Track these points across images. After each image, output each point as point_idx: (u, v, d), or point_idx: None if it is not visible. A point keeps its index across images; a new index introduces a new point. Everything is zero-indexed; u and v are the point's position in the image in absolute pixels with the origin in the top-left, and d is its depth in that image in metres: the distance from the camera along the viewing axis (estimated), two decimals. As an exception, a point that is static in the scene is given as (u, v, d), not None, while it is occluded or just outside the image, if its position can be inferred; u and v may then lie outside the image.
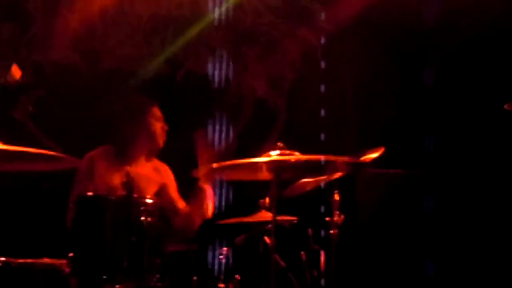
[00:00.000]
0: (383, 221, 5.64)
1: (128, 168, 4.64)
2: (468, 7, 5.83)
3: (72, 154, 4.04)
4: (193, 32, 6.04)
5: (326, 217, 4.27)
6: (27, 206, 5.66)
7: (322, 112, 6.07)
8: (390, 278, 5.53)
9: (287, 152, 3.89)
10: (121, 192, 4.02)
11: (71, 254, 3.80)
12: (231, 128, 5.85)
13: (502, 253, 5.64)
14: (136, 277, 3.80)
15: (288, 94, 6.16)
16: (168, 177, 4.92)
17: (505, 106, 3.71)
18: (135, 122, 4.80)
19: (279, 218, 4.26)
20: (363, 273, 5.55)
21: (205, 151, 4.68)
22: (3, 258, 3.86)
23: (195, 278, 4.35)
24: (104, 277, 3.74)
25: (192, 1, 6.03)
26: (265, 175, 3.98)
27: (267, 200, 4.71)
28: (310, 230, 4.75)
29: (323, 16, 6.13)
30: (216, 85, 5.97)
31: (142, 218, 3.84)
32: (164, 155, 5.00)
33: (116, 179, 4.62)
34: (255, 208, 4.83)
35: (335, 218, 4.23)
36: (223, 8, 5.98)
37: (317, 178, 4.34)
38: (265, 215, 4.72)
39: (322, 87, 6.11)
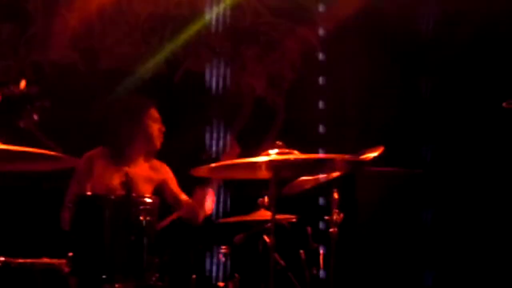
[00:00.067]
0: (382, 220, 5.64)
1: (126, 169, 4.66)
2: (466, 8, 5.85)
3: (71, 154, 4.04)
4: (191, 31, 6.04)
5: (325, 215, 4.26)
6: (27, 206, 5.66)
7: (322, 112, 6.07)
8: (389, 276, 5.53)
9: (286, 151, 3.88)
10: (120, 192, 4.02)
11: (70, 254, 3.80)
12: (229, 129, 5.86)
13: (502, 253, 5.64)
14: (136, 276, 3.80)
15: (287, 93, 6.16)
16: (167, 173, 4.93)
17: (504, 104, 3.71)
18: (132, 123, 4.80)
19: (278, 217, 4.25)
20: (362, 271, 5.56)
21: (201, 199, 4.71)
22: (2, 258, 3.86)
23: (194, 276, 4.34)
24: (104, 276, 3.74)
25: (191, 0, 6.04)
26: (264, 174, 3.98)
27: (266, 199, 4.71)
28: (309, 229, 4.75)
29: (322, 15, 6.13)
30: (215, 84, 5.98)
31: (141, 218, 3.84)
32: (163, 156, 5.00)
33: (115, 180, 4.62)
34: (254, 207, 4.83)
35: (335, 217, 4.22)
36: (222, 8, 5.98)
37: (316, 177, 4.33)
38: (264, 214, 4.72)
39: (321, 86, 6.12)
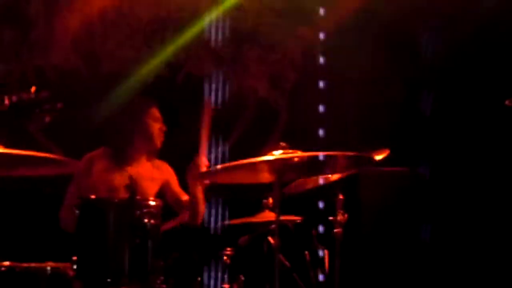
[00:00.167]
0: (386, 220, 5.63)
1: (128, 169, 4.66)
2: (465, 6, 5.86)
3: (73, 157, 4.04)
4: (193, 34, 6.04)
5: (329, 216, 4.26)
6: (31, 211, 5.67)
7: (323, 112, 6.07)
8: (392, 277, 5.53)
9: (290, 151, 3.88)
10: (122, 193, 4.01)
11: (74, 258, 3.80)
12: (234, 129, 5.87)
13: (503, 251, 5.64)
14: (140, 279, 3.80)
15: (289, 94, 6.16)
16: (169, 173, 4.92)
17: (506, 102, 3.71)
18: (133, 122, 4.80)
19: (282, 218, 4.25)
20: (365, 271, 5.55)
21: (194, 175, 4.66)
22: (7, 263, 3.87)
23: (199, 279, 4.34)
24: (108, 280, 3.74)
25: (192, 3, 6.03)
26: (267, 177, 3.97)
27: (270, 200, 4.71)
28: (314, 231, 4.75)
29: (323, 15, 6.13)
30: (216, 86, 5.98)
31: (145, 220, 3.84)
32: (165, 156, 4.99)
33: (117, 180, 4.63)
34: (259, 208, 4.82)
35: (339, 217, 4.23)
36: (223, 10, 5.98)
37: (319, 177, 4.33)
38: (269, 215, 4.72)
39: (323, 87, 6.12)
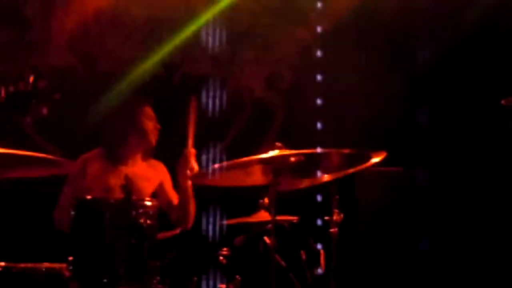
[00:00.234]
0: (382, 219, 5.64)
1: (123, 168, 4.66)
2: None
3: (70, 158, 4.04)
4: (189, 34, 6.04)
5: (325, 215, 4.26)
6: (26, 211, 5.67)
7: (320, 112, 6.07)
8: (390, 276, 5.53)
9: (286, 151, 3.89)
10: (118, 193, 4.01)
11: (71, 258, 3.80)
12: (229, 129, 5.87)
13: (501, 250, 5.65)
14: (136, 279, 3.80)
15: (285, 94, 6.16)
16: (164, 174, 4.92)
17: (502, 102, 3.72)
18: (126, 120, 4.80)
19: (278, 218, 4.25)
20: (363, 271, 5.56)
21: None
22: (3, 263, 3.87)
23: (195, 279, 4.35)
24: (105, 280, 3.74)
25: (188, 3, 6.03)
26: (262, 179, 3.99)
27: (266, 200, 4.71)
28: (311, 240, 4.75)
29: (318, 14, 6.13)
30: (213, 87, 5.98)
31: (141, 221, 3.84)
32: (160, 157, 4.99)
33: (112, 180, 4.63)
34: (255, 208, 4.83)
35: (335, 217, 4.22)
36: (219, 10, 5.98)
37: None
38: (265, 215, 4.72)
39: (319, 86, 6.12)
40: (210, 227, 5.51)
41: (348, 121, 6.16)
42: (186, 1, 6.00)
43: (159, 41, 6.06)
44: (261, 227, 4.71)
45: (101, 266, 3.77)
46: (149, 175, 4.84)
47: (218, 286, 4.47)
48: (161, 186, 4.86)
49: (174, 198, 4.83)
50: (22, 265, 3.88)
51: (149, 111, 4.88)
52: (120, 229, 3.80)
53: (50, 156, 3.88)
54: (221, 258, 4.55)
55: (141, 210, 3.86)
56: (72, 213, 3.86)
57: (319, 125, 6.01)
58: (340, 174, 4.23)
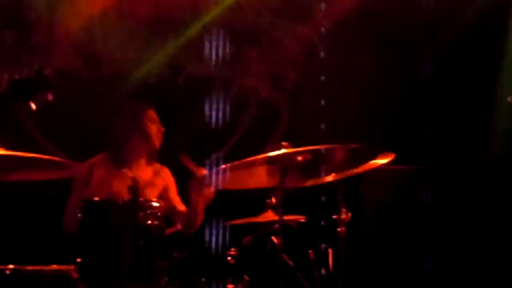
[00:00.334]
0: (389, 218, 5.64)
1: (128, 172, 4.63)
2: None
3: (73, 159, 4.04)
4: (193, 34, 6.04)
5: (333, 215, 4.25)
6: (34, 213, 5.67)
7: (324, 111, 6.07)
8: (397, 275, 5.53)
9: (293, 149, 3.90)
10: (123, 197, 4.00)
11: (78, 260, 3.80)
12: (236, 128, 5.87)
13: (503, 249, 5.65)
14: (145, 280, 3.80)
15: (290, 93, 6.16)
16: (169, 179, 4.89)
17: (508, 99, 3.72)
18: (129, 123, 4.78)
19: (286, 217, 4.25)
20: (370, 270, 5.55)
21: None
22: (11, 266, 3.87)
23: (203, 280, 4.34)
24: (112, 281, 3.74)
25: (192, 3, 6.03)
26: (267, 180, 3.99)
27: (273, 199, 4.70)
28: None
29: (322, 13, 6.13)
30: (218, 87, 5.98)
31: (149, 222, 3.84)
32: (165, 158, 4.98)
33: (116, 184, 4.60)
34: (262, 208, 4.82)
35: (343, 216, 4.22)
36: (223, 10, 5.98)
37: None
38: (272, 215, 4.72)
39: (324, 85, 6.12)
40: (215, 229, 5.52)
41: (352, 120, 6.17)
42: (190, 1, 6.00)
43: (164, 42, 6.06)
44: (268, 227, 4.71)
45: (109, 267, 3.77)
46: (154, 181, 4.81)
47: (226, 286, 4.47)
48: (165, 191, 4.82)
49: (178, 204, 4.81)
50: (30, 267, 3.88)
51: (152, 114, 4.86)
52: (127, 231, 3.80)
53: (57, 159, 3.88)
54: (229, 258, 4.55)
55: (148, 211, 3.86)
56: (79, 215, 3.86)
57: (323, 125, 6.02)
58: (348, 174, 4.23)
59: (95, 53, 6.01)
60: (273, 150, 3.94)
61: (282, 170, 3.96)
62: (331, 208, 4.26)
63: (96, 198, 4.04)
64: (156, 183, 4.82)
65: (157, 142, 4.82)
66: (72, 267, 3.83)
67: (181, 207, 4.80)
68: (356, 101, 6.24)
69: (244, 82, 6.09)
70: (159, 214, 3.90)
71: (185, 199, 4.84)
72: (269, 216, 4.74)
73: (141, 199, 3.92)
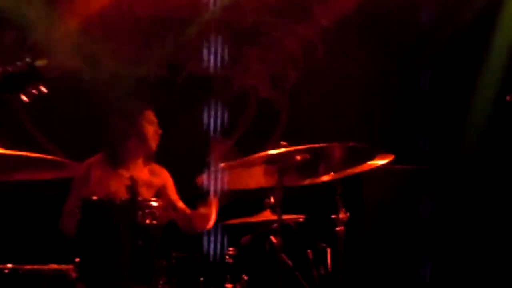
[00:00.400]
0: (389, 217, 5.63)
1: (125, 172, 4.63)
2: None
3: (72, 158, 4.04)
4: (193, 33, 6.04)
5: (332, 214, 4.26)
6: (33, 213, 5.67)
7: (323, 110, 6.07)
8: (396, 274, 5.53)
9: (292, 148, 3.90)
10: (120, 197, 4.00)
11: (77, 260, 3.80)
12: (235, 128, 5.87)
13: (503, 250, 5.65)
14: (143, 280, 3.80)
15: (289, 92, 6.16)
16: (166, 178, 4.89)
17: (507, 98, 3.71)
18: (127, 124, 4.78)
19: (284, 217, 4.25)
20: (369, 269, 5.55)
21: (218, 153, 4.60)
22: (10, 265, 3.87)
23: (201, 279, 4.34)
24: (111, 281, 3.74)
25: (191, 2, 6.03)
26: (265, 180, 3.99)
27: (272, 199, 4.70)
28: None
29: (321, 12, 6.13)
30: (217, 86, 5.98)
31: (148, 221, 3.84)
32: (164, 159, 4.99)
33: (114, 184, 4.61)
34: (261, 207, 4.82)
35: (341, 215, 4.22)
36: (222, 9, 5.98)
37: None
38: (271, 215, 4.71)
39: (323, 84, 6.12)
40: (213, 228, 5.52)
41: (352, 120, 6.17)
42: (190, 0, 6.00)
43: (163, 41, 6.06)
44: (267, 227, 4.70)
45: (108, 267, 3.77)
46: (151, 181, 4.81)
47: (225, 286, 4.47)
48: (163, 189, 4.82)
49: (177, 202, 4.81)
50: (29, 266, 3.88)
51: (150, 115, 4.86)
52: (126, 230, 3.80)
53: (57, 158, 3.88)
54: (227, 257, 4.55)
55: (147, 211, 3.86)
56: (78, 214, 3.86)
57: (323, 125, 6.02)
58: (346, 173, 4.24)
59: (95, 52, 6.01)
60: (273, 149, 3.94)
61: (281, 170, 3.96)
62: (330, 207, 4.26)
63: (95, 198, 4.04)
64: (153, 183, 4.82)
65: (153, 144, 4.82)
66: (70, 266, 3.83)
67: (181, 204, 4.81)
68: (356, 101, 6.24)
69: (244, 82, 6.09)
70: (158, 213, 3.90)
71: (184, 200, 4.87)
72: (268, 215, 4.74)
73: (140, 198, 3.92)
